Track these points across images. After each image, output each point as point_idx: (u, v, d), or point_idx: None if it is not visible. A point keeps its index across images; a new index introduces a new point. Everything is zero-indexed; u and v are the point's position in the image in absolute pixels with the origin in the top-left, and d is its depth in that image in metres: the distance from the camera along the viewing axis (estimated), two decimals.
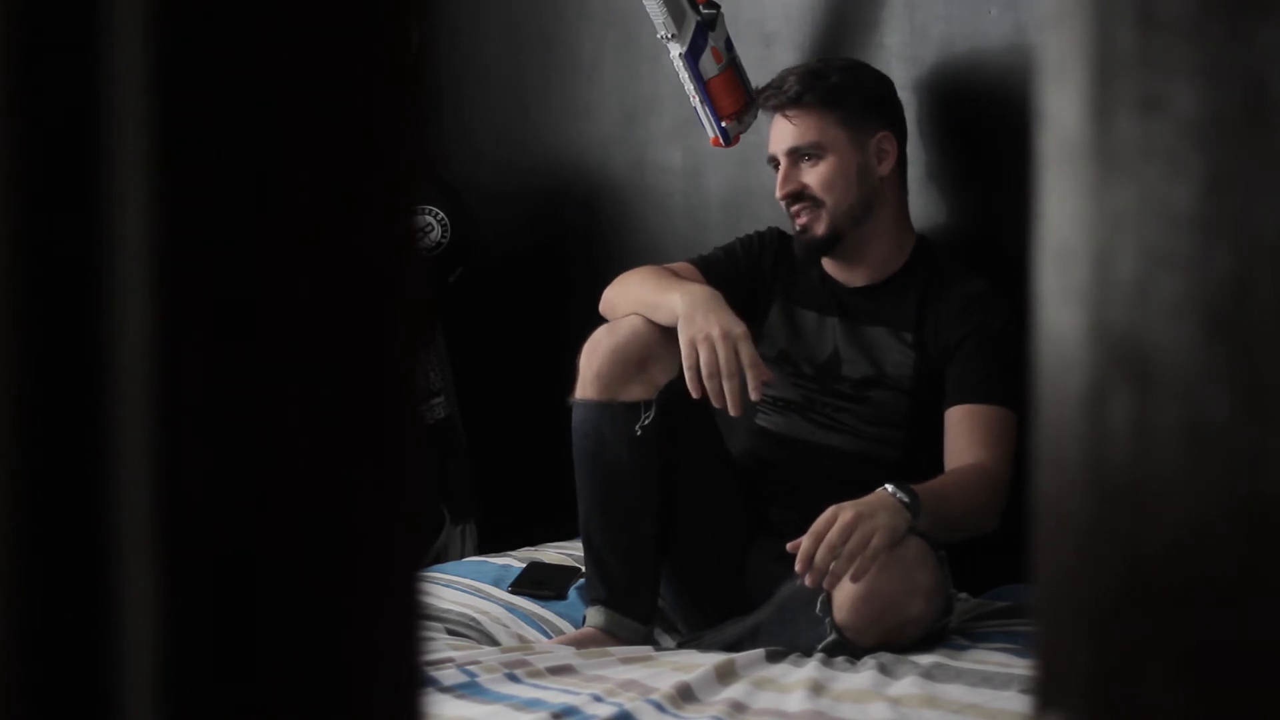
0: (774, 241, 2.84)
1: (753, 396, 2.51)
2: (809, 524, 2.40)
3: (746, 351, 2.48)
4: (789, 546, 2.36)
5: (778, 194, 2.73)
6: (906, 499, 2.38)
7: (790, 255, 2.79)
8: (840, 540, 2.32)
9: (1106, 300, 0.62)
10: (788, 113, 2.71)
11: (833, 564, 2.32)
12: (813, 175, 2.70)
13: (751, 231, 2.89)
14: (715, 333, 2.50)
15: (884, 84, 2.78)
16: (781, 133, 2.73)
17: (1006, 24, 2.83)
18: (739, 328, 2.50)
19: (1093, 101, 0.62)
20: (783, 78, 2.74)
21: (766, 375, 2.52)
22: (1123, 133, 0.61)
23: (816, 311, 2.77)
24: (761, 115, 2.99)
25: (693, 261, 2.82)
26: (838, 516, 2.34)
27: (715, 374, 2.48)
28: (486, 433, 3.59)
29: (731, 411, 2.49)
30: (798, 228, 2.73)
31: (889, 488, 2.40)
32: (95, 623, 0.57)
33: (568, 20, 3.47)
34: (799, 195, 2.71)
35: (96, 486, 0.57)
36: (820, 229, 2.70)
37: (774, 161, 2.75)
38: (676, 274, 2.70)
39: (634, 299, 2.67)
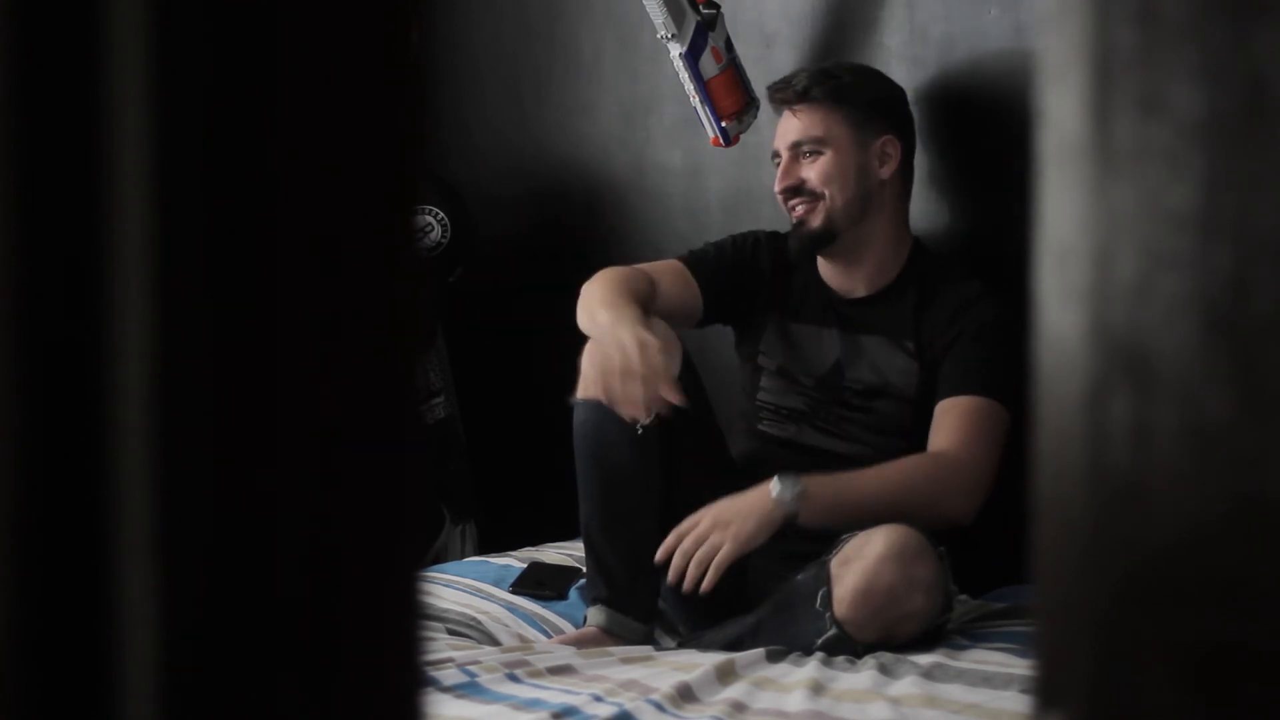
0: (771, 244, 2.84)
1: (656, 407, 2.43)
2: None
3: (658, 361, 2.43)
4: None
5: (776, 188, 2.74)
6: (786, 494, 2.45)
7: (786, 261, 2.79)
8: (693, 547, 2.46)
9: (1106, 300, 0.62)
10: (794, 107, 2.73)
11: (688, 567, 2.46)
12: (812, 170, 2.71)
13: (750, 230, 2.89)
14: (628, 338, 2.45)
15: (894, 90, 2.79)
16: (786, 128, 2.75)
17: (1006, 24, 2.83)
18: (655, 341, 2.45)
19: (1093, 101, 0.62)
20: (793, 75, 2.77)
21: (675, 397, 2.42)
22: (1123, 133, 0.61)
23: (814, 325, 2.77)
24: (769, 114, 3.00)
25: (681, 258, 2.81)
26: (700, 521, 2.47)
27: (613, 372, 2.43)
28: (486, 433, 3.59)
29: (629, 413, 2.45)
30: (794, 221, 2.74)
31: (774, 481, 2.47)
32: (95, 623, 0.57)
33: (568, 20, 3.47)
34: (797, 190, 2.72)
35: (96, 487, 0.57)
36: (817, 221, 2.72)
37: (776, 157, 2.77)
38: (639, 287, 2.63)
39: (584, 305, 2.63)
